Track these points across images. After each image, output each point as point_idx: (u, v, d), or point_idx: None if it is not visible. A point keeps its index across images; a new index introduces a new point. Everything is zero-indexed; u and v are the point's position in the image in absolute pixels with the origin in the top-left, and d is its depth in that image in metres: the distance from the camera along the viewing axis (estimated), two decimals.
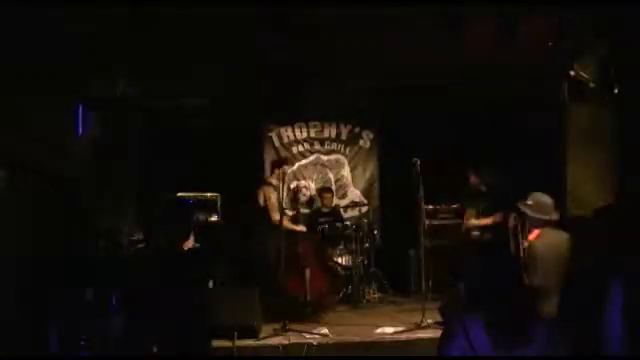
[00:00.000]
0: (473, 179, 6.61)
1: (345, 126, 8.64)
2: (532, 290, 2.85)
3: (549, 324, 2.31)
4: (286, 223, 6.43)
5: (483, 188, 6.58)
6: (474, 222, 6.54)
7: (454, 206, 7.59)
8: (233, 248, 6.98)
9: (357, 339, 5.30)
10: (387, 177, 8.53)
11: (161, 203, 6.38)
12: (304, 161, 8.53)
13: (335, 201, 8.09)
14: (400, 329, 5.72)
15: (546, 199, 4.28)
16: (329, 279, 6.70)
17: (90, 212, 5.66)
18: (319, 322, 5.92)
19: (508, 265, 2.44)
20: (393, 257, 7.86)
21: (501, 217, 6.43)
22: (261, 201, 6.66)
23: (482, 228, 6.47)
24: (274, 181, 6.74)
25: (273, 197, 6.59)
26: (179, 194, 7.25)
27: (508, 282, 2.34)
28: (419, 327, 5.76)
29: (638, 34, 5.14)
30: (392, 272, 7.80)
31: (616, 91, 5.82)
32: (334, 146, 8.63)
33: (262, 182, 6.98)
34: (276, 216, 6.43)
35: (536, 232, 4.11)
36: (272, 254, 6.42)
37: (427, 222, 6.88)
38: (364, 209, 8.31)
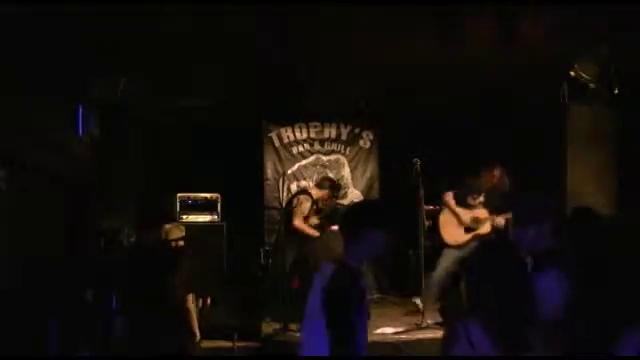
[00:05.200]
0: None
1: (345, 126, 8.64)
2: None
3: (547, 328, 2.29)
4: (302, 226, 6.41)
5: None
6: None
7: None
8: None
9: None
10: (387, 177, 8.53)
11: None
12: (304, 161, 8.53)
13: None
14: (400, 329, 5.72)
15: None
16: None
17: (90, 212, 5.66)
18: None
19: (511, 267, 2.42)
20: (393, 257, 7.86)
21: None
22: (292, 205, 6.62)
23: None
24: (315, 195, 6.64)
25: (305, 204, 6.51)
26: (179, 194, 7.27)
27: (510, 284, 2.33)
28: (419, 327, 5.77)
29: (638, 34, 5.13)
30: (392, 272, 7.81)
31: (616, 91, 5.83)
32: (334, 146, 8.63)
33: (302, 191, 6.97)
34: (297, 220, 6.41)
35: None
36: (278, 255, 6.45)
37: (427, 222, 6.87)
38: None
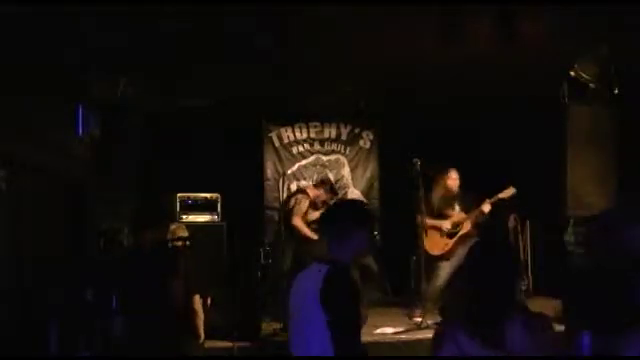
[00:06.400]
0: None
1: (345, 126, 8.65)
2: None
3: (524, 324, 2.27)
4: (301, 225, 6.45)
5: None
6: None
7: None
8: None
9: None
10: (387, 177, 8.53)
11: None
12: (304, 161, 8.54)
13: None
14: (400, 329, 5.73)
15: None
16: None
17: (90, 212, 5.66)
18: None
19: (509, 266, 2.42)
20: (393, 258, 7.86)
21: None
22: (290, 204, 6.64)
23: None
24: (312, 194, 6.70)
25: (304, 203, 6.57)
26: (179, 194, 7.27)
27: (505, 284, 2.33)
28: (419, 328, 5.77)
29: (638, 34, 5.13)
30: (392, 272, 7.80)
31: (616, 91, 5.83)
32: (334, 146, 8.64)
33: (299, 190, 7.01)
34: (297, 220, 6.45)
35: None
36: (278, 255, 6.50)
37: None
38: None
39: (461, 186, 6.36)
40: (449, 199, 6.33)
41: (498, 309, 2.26)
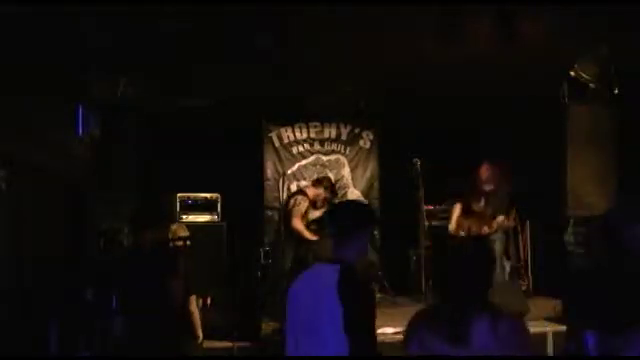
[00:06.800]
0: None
1: (345, 126, 8.64)
2: None
3: (489, 322, 2.27)
4: (301, 228, 6.45)
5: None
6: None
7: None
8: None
9: None
10: (387, 177, 8.53)
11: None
12: (304, 161, 8.53)
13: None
14: (400, 329, 5.72)
15: None
16: None
17: (90, 212, 5.66)
18: None
19: (482, 265, 2.43)
20: (393, 257, 7.86)
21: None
22: (289, 206, 6.66)
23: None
24: (311, 194, 6.78)
25: (303, 204, 6.63)
26: (179, 194, 7.27)
27: (475, 283, 2.34)
28: None
29: (638, 34, 5.13)
30: (392, 272, 7.81)
31: (616, 91, 5.83)
32: (334, 146, 8.63)
33: (299, 191, 7.04)
34: (296, 222, 6.43)
35: None
36: (278, 255, 6.52)
37: (427, 222, 6.90)
38: None
39: (500, 188, 6.59)
40: (479, 195, 6.60)
41: (465, 308, 2.27)
